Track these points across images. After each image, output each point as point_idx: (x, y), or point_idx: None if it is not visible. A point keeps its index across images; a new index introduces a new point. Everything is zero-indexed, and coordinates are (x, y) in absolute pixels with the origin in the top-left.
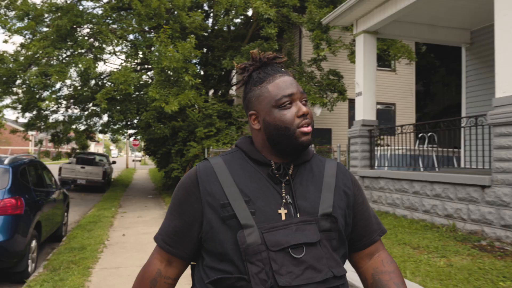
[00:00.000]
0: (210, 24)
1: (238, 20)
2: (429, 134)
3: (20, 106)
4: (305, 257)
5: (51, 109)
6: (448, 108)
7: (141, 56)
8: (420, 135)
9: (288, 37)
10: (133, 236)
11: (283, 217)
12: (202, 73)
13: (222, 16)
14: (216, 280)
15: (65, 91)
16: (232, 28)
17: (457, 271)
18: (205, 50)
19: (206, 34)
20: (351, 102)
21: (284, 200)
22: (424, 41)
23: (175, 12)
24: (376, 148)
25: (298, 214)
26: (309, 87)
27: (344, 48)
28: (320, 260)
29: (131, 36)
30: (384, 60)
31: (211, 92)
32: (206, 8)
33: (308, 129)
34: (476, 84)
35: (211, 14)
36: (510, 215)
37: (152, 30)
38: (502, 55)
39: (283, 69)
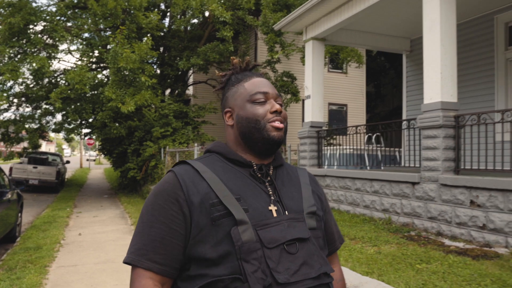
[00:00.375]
0: (167, 24)
1: (195, 21)
2: (375, 134)
3: None
4: (300, 253)
5: (2, 108)
6: (397, 109)
7: (96, 54)
8: (367, 135)
9: (244, 39)
10: (90, 235)
11: (274, 214)
12: (158, 72)
13: (179, 17)
14: (205, 285)
15: (16, 89)
16: (189, 28)
17: (384, 257)
18: (161, 49)
19: (162, 34)
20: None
21: (272, 198)
22: (369, 48)
23: (132, 12)
24: (326, 147)
25: (286, 212)
26: None
27: (297, 51)
28: (312, 257)
29: (86, 35)
30: (336, 63)
31: (167, 91)
32: (163, 7)
33: (279, 124)
34: (415, 89)
35: (168, 14)
36: (435, 208)
37: (108, 29)
38: (429, 66)
39: (261, 74)
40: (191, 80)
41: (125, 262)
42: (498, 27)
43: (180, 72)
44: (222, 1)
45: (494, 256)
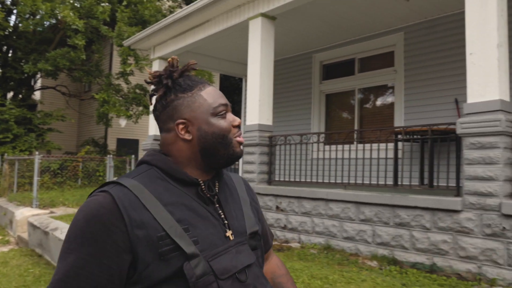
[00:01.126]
0: (12, 23)
1: (46, 23)
2: None
3: None
4: (249, 279)
5: None
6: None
7: None
8: None
9: (97, 49)
10: None
11: (230, 239)
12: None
13: (27, 17)
14: None
15: None
16: (38, 28)
17: None
18: (5, 49)
19: (7, 33)
20: None
21: (226, 222)
22: (213, 71)
23: None
24: None
25: (233, 236)
26: (115, 99)
27: (150, 65)
28: (258, 279)
29: None
30: None
31: (9, 95)
32: (8, 3)
33: (242, 139)
34: None
35: (15, 12)
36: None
37: None
38: (250, 93)
39: (208, 82)
40: (39, 85)
41: None
42: (315, 64)
43: (25, 76)
44: (78, 6)
45: (287, 249)
